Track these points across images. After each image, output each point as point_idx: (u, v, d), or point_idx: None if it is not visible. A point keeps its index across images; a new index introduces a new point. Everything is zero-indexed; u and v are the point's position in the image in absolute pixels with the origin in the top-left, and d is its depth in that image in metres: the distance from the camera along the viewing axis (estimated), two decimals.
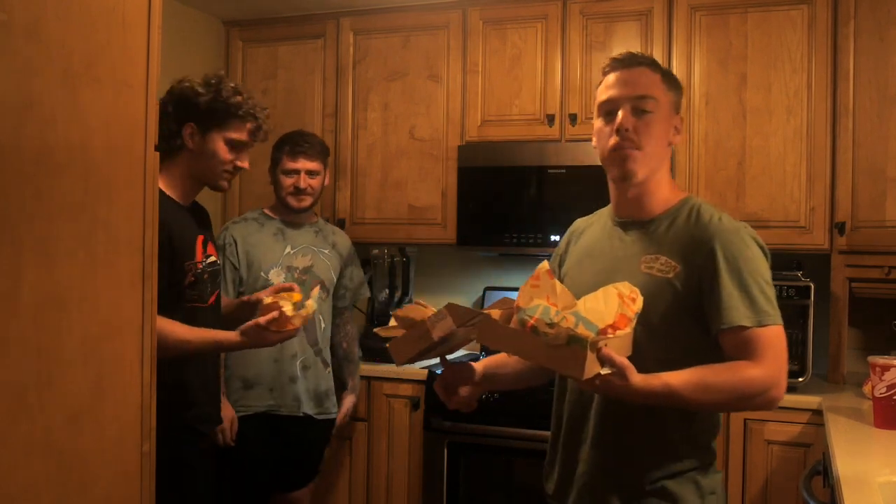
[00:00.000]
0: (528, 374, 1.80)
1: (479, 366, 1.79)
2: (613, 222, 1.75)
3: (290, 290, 2.21)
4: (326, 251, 2.96)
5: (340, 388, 3.07)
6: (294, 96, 3.66)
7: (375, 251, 3.46)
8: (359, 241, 3.56)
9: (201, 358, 2.15)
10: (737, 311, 1.56)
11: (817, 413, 2.65)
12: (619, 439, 1.63)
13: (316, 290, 2.20)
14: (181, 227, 2.09)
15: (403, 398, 3.17)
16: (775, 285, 2.78)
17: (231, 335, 2.08)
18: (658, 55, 3.13)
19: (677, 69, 3.11)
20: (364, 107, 3.56)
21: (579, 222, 1.90)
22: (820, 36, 2.94)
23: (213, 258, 2.21)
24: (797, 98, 2.98)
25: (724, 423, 2.77)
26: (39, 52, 1.20)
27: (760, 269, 1.63)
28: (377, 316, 3.45)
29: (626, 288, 1.49)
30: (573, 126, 3.23)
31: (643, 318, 1.51)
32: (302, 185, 2.85)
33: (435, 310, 1.58)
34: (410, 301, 3.46)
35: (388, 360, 3.25)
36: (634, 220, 1.71)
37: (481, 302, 3.63)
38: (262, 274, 2.82)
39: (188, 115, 2.10)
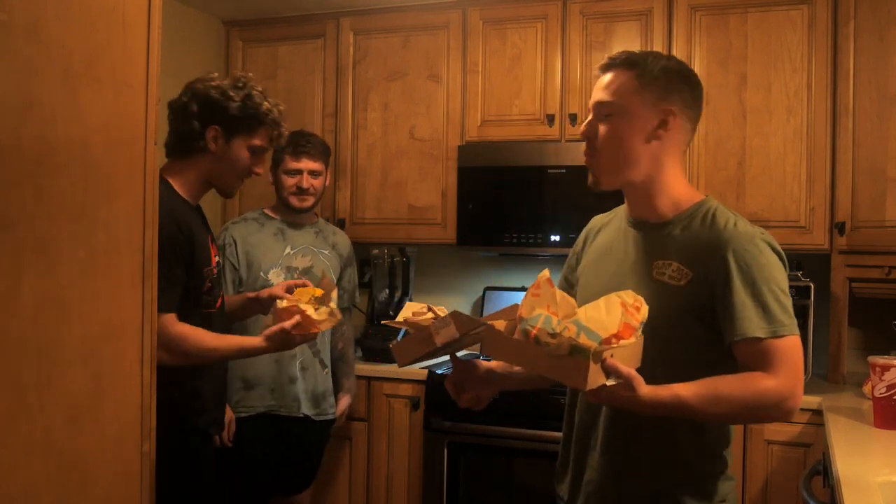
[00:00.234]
0: (537, 377, 1.74)
1: (494, 365, 1.77)
2: (628, 222, 1.72)
3: (304, 285, 2.17)
4: (326, 252, 2.95)
5: (337, 389, 3.07)
6: (294, 96, 3.66)
7: (375, 251, 3.46)
8: (359, 241, 3.56)
9: (215, 364, 2.14)
10: (750, 321, 1.52)
11: (817, 413, 2.65)
12: (627, 447, 1.60)
13: (335, 293, 2.15)
14: (199, 233, 2.07)
15: (403, 398, 3.17)
16: None
17: (256, 341, 2.05)
18: None
19: None
20: (364, 107, 3.57)
21: (597, 219, 1.87)
22: (820, 36, 2.94)
23: (218, 260, 2.20)
24: (797, 98, 2.98)
25: None
26: (39, 52, 1.20)
27: (776, 276, 1.60)
28: (377, 316, 3.45)
29: (629, 297, 1.44)
30: (573, 126, 3.23)
31: (652, 326, 1.47)
32: (305, 185, 2.84)
33: (442, 310, 1.58)
34: (410, 301, 3.46)
35: (388, 360, 3.26)
36: (648, 222, 1.67)
37: (481, 302, 3.63)
38: (262, 274, 2.81)
39: (213, 118, 2.05)
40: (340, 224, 3.56)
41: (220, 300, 2.17)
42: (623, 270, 1.65)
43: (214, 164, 2.09)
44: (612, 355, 1.35)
